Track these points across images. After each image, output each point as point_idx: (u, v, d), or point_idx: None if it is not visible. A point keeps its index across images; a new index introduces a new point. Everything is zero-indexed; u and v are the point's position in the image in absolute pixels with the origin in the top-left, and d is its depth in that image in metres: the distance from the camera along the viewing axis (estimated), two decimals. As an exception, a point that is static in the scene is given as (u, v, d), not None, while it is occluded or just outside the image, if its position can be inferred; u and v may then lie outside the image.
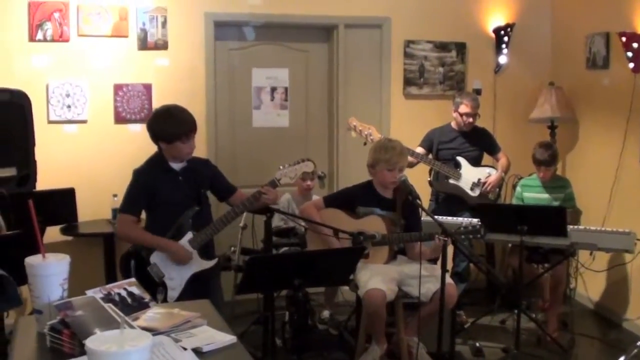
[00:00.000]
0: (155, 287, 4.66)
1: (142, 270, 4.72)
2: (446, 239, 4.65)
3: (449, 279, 4.94)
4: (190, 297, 4.43)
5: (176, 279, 4.75)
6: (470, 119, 6.63)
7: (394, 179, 5.22)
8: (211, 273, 4.91)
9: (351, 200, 5.37)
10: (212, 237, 4.93)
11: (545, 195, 6.52)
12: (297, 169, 4.97)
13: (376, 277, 4.97)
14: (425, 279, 4.85)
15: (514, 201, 6.80)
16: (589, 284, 7.06)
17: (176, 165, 4.87)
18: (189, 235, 4.78)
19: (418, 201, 4.95)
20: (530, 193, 6.60)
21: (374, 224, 5.17)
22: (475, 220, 5.80)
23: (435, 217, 5.04)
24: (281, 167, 4.95)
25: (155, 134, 4.84)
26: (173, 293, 4.72)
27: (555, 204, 6.39)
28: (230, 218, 4.89)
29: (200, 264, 4.82)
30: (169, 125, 4.76)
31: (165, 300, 4.66)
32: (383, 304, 4.90)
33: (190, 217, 4.78)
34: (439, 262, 4.75)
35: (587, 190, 6.83)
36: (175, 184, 4.84)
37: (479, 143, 6.77)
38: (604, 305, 7.08)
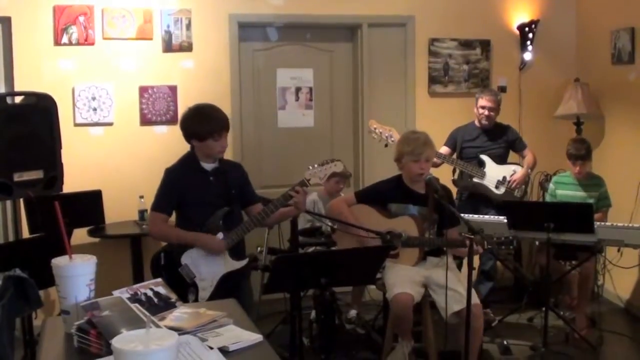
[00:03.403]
0: (186, 288, 4.71)
1: (173, 271, 4.74)
2: (472, 236, 4.60)
3: (475, 299, 4.78)
4: (221, 298, 4.46)
5: (207, 279, 4.77)
6: (487, 112, 6.61)
7: (421, 170, 5.10)
8: (242, 274, 4.92)
9: (382, 197, 5.28)
10: (242, 238, 4.94)
11: (580, 193, 6.43)
12: (327, 169, 4.91)
13: (403, 281, 4.93)
14: (450, 295, 4.75)
15: (548, 198, 6.74)
16: (617, 280, 7.02)
17: (208, 166, 4.90)
18: (220, 235, 4.79)
19: (449, 202, 4.93)
20: (564, 190, 6.51)
21: (405, 224, 5.09)
22: (501, 218, 5.79)
23: (462, 215, 4.99)
24: (310, 167, 4.91)
25: (188, 132, 4.87)
26: (204, 293, 4.74)
27: (590, 201, 6.25)
28: (261, 219, 4.89)
29: (231, 264, 4.83)
30: (201, 122, 4.80)
31: (196, 300, 4.68)
32: (410, 307, 4.85)
33: (221, 217, 4.79)
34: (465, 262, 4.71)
35: (614, 187, 6.76)
36: (206, 184, 4.86)
37: (503, 140, 6.73)
38: (632, 302, 7.02)
